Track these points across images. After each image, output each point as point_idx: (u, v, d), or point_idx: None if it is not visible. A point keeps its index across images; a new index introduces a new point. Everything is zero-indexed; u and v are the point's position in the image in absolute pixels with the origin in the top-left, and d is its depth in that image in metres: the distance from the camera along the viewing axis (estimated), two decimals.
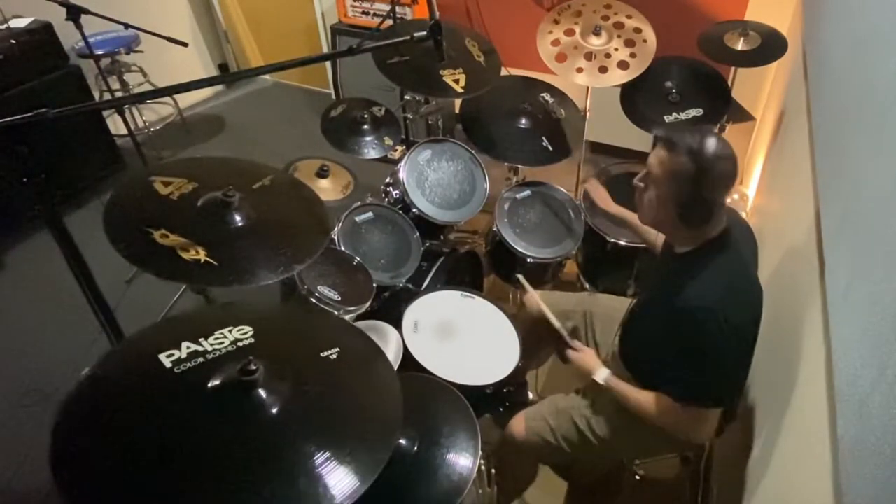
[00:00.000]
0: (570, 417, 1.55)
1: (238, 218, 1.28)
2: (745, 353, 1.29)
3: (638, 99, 2.26)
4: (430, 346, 1.69)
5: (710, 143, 1.18)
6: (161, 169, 1.41)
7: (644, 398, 1.39)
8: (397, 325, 1.74)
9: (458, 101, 2.53)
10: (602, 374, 1.49)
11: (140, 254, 1.17)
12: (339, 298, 1.70)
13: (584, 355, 1.56)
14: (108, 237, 1.16)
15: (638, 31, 2.30)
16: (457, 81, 2.02)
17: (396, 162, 2.22)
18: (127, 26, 2.36)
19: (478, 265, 2.33)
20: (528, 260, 2.10)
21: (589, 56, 2.28)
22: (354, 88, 3.49)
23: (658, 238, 1.59)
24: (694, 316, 1.21)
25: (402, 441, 1.25)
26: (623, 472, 1.91)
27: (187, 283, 1.72)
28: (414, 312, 1.79)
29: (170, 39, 2.42)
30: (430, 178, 2.17)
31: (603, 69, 2.24)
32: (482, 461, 1.42)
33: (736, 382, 1.33)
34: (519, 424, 1.60)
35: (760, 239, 1.45)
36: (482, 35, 2.51)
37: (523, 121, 2.29)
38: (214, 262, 1.19)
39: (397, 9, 3.07)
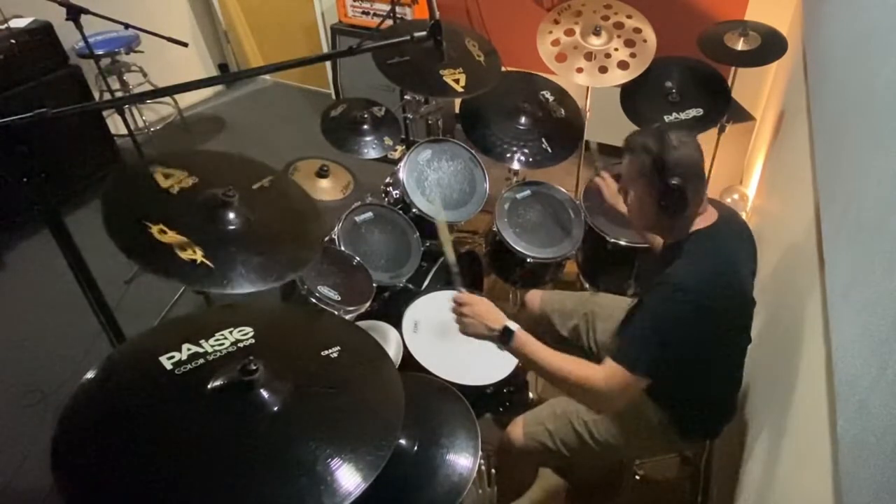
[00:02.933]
0: (569, 422, 1.53)
1: (235, 219, 1.29)
2: (707, 343, 1.26)
3: (638, 99, 2.26)
4: (430, 346, 1.69)
5: (662, 136, 1.26)
6: (163, 158, 1.39)
7: (564, 356, 1.29)
8: (397, 325, 1.74)
9: (458, 101, 2.53)
10: (513, 325, 1.32)
11: (137, 249, 1.17)
12: (339, 298, 1.70)
13: (479, 307, 1.34)
14: (106, 227, 1.15)
15: (638, 31, 2.30)
16: (457, 81, 2.02)
17: (396, 162, 2.22)
18: (127, 26, 2.36)
19: (478, 265, 2.33)
20: (528, 260, 2.09)
21: (589, 56, 2.28)
22: (354, 88, 3.49)
23: (656, 238, 1.60)
24: (664, 289, 1.24)
25: (402, 441, 1.25)
26: (623, 472, 1.91)
27: (184, 284, 1.71)
28: (414, 312, 1.79)
29: (170, 39, 2.41)
30: (430, 178, 2.17)
31: (603, 69, 2.24)
32: (482, 461, 1.41)
33: (680, 367, 1.27)
34: (517, 430, 1.58)
35: (760, 239, 1.45)
36: (482, 35, 2.51)
37: (523, 120, 2.29)
38: (210, 264, 1.18)
39: (397, 9, 3.06)
